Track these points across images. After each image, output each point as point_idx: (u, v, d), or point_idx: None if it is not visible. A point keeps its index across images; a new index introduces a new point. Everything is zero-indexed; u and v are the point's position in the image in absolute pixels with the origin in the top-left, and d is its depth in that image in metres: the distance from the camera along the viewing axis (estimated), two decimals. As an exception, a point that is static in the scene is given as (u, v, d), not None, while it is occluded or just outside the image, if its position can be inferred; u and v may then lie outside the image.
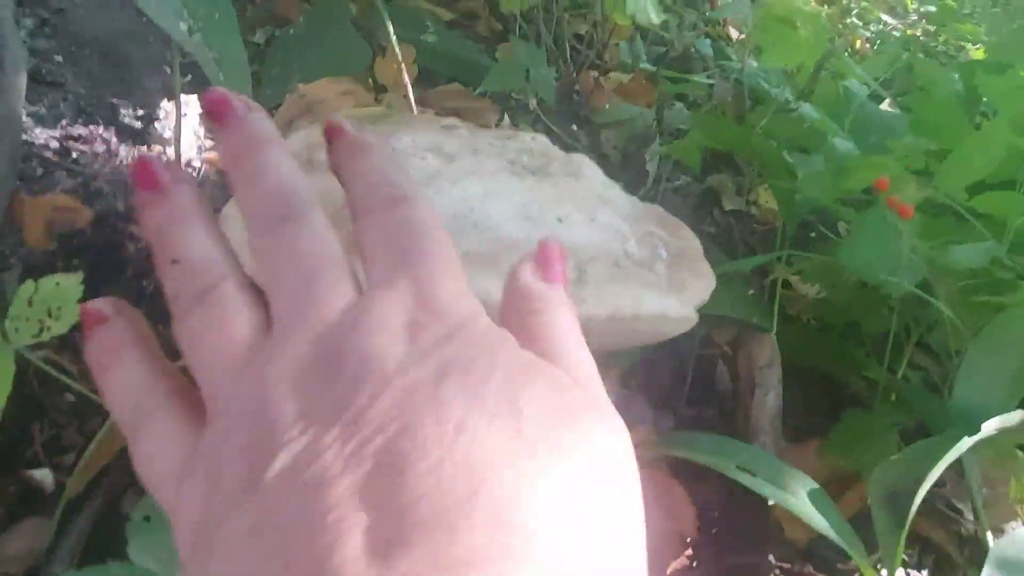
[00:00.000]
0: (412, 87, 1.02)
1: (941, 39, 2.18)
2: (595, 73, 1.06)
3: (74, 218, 0.67)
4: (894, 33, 2.11)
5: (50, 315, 0.41)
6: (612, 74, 1.09)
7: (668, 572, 0.59)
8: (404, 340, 0.20)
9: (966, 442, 0.55)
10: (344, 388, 0.19)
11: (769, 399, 0.65)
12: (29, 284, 0.41)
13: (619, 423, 0.22)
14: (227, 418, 0.20)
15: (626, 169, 1.02)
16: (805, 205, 0.78)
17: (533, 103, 0.98)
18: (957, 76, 1.31)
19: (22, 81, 0.76)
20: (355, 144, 0.26)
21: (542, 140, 0.61)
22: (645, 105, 1.10)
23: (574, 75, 1.05)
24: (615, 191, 0.55)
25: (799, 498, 0.55)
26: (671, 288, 0.45)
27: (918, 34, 2.15)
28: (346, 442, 0.18)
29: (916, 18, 2.23)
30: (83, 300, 0.61)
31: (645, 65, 1.14)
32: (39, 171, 0.71)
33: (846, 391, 0.81)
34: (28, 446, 0.53)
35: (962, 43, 2.09)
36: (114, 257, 0.65)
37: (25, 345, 0.41)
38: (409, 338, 0.20)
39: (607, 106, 1.05)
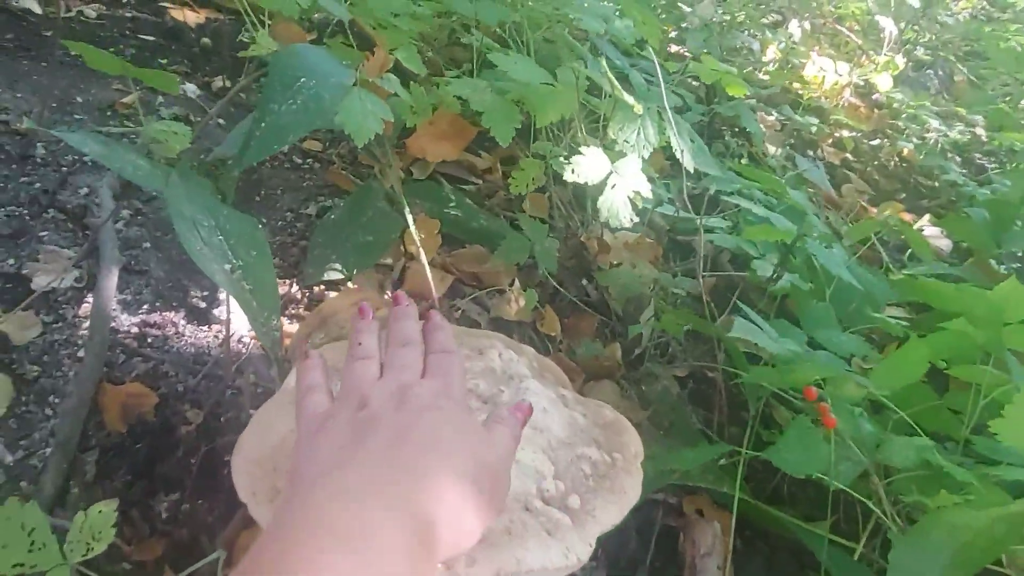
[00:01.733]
0: (439, 251, 1.17)
1: (995, 142, 2.18)
2: (602, 232, 1.18)
3: (142, 403, 0.84)
4: (942, 139, 2.12)
5: (94, 538, 0.56)
6: (620, 232, 1.20)
7: None
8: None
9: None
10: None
11: (704, 588, 0.73)
12: (81, 515, 0.57)
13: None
14: (347, 399, 0.49)
15: (629, 321, 1.12)
16: (765, 390, 0.86)
17: (541, 270, 1.10)
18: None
19: (114, 280, 0.95)
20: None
21: (507, 356, 0.73)
22: (652, 259, 1.21)
23: (582, 237, 1.17)
24: (554, 414, 0.66)
25: None
26: (575, 525, 0.55)
27: (966, 140, 2.16)
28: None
29: (963, 126, 2.23)
30: (133, 488, 0.76)
31: (664, 209, 1.25)
32: (121, 358, 0.89)
33: (813, 558, 0.87)
34: (91, 610, 0.68)
35: (1014, 147, 2.08)
36: (170, 439, 0.81)
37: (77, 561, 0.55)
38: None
39: (613, 263, 1.16)
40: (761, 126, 1.83)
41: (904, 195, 1.97)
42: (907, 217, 1.72)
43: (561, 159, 0.97)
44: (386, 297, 1.03)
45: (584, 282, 1.17)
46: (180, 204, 0.77)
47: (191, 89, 1.41)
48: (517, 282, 1.10)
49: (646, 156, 0.94)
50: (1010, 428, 0.62)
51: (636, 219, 0.91)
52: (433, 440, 0.45)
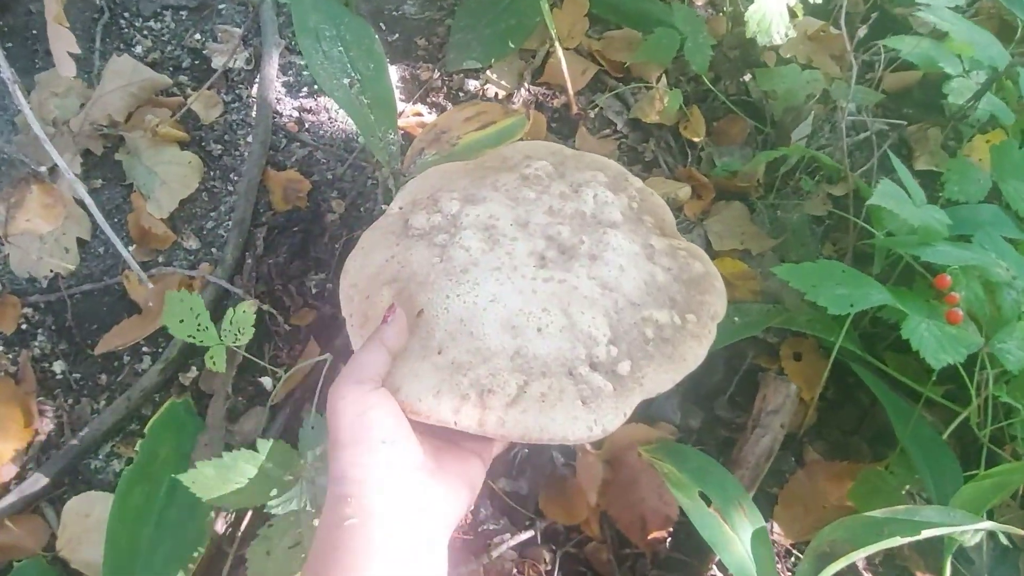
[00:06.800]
0: (588, 34, 1.10)
1: None
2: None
3: (299, 188, 0.95)
4: None
5: (240, 331, 0.71)
6: (802, 20, 1.02)
7: (649, 537, 0.79)
8: None
9: (897, 540, 0.63)
10: None
11: (763, 441, 0.75)
12: (230, 311, 0.71)
13: None
14: None
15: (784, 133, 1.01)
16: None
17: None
18: None
19: (274, 67, 1.02)
20: None
21: (603, 198, 0.73)
22: (837, 55, 1.04)
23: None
24: (631, 272, 0.67)
25: (743, 536, 0.69)
26: (616, 394, 0.59)
27: None
28: None
29: None
30: (292, 264, 0.91)
31: None
32: (283, 142, 1.00)
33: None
34: (262, 358, 0.87)
35: None
36: (319, 225, 0.93)
37: (230, 344, 0.71)
38: None
39: (786, 57, 1.01)
40: None
41: None
42: None
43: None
44: (512, 107, 1.01)
45: (748, 77, 1.05)
46: (306, 15, 0.79)
47: None
48: (664, 79, 1.01)
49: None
50: None
51: (792, 34, 0.78)
52: None
